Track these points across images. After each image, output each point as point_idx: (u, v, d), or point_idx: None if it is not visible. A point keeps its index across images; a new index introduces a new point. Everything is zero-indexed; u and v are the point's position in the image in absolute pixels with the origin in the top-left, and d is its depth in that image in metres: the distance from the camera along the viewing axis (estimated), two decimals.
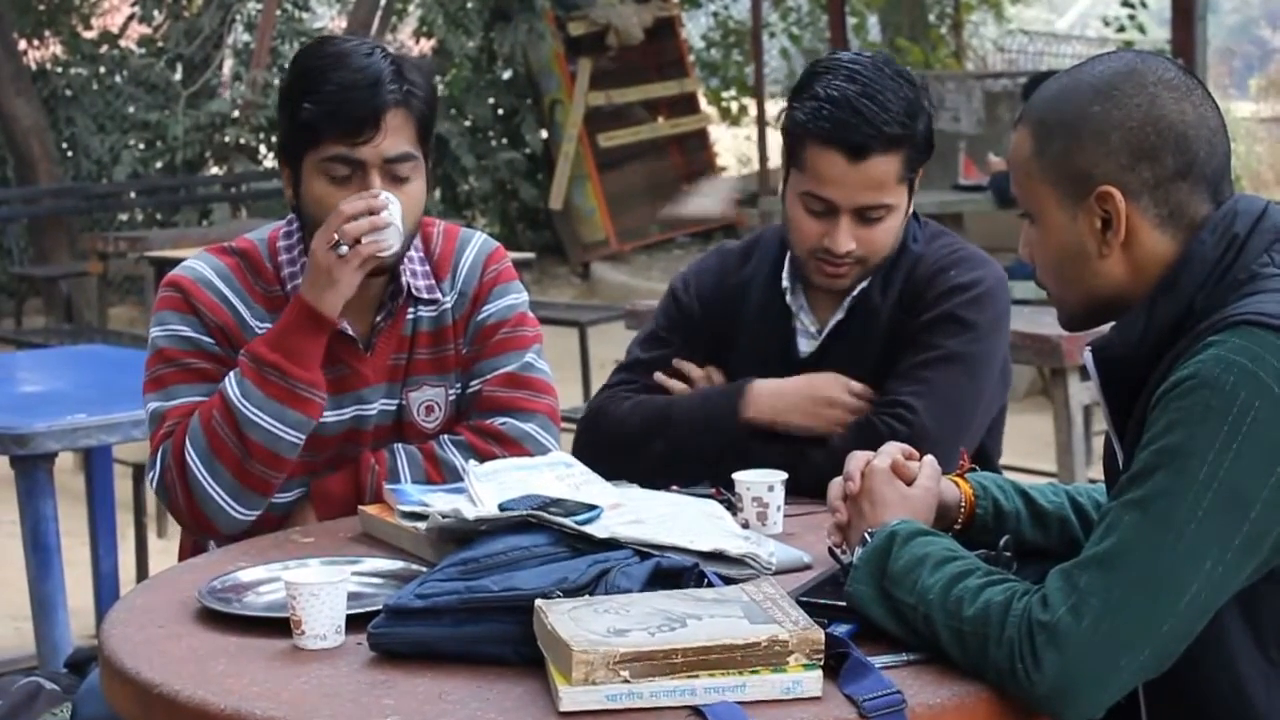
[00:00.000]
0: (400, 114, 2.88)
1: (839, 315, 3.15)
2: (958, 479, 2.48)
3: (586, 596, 2.15)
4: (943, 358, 3.03)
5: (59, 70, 15.19)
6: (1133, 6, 18.95)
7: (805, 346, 3.18)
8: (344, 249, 2.81)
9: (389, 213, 2.83)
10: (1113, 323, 2.26)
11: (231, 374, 2.88)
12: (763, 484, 2.75)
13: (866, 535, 2.26)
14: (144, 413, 2.99)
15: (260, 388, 2.85)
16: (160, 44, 15.66)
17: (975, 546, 2.32)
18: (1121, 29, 19.18)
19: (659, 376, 3.10)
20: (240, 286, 2.98)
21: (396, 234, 2.84)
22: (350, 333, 2.98)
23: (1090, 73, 2.24)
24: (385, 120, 2.86)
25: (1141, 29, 18.95)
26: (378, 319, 3.01)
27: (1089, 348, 2.25)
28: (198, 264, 3.00)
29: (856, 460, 2.43)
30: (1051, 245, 2.25)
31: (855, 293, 3.13)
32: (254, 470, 2.86)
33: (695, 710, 1.94)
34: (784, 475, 2.77)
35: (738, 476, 2.77)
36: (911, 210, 3.16)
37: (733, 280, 3.27)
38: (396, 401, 3.04)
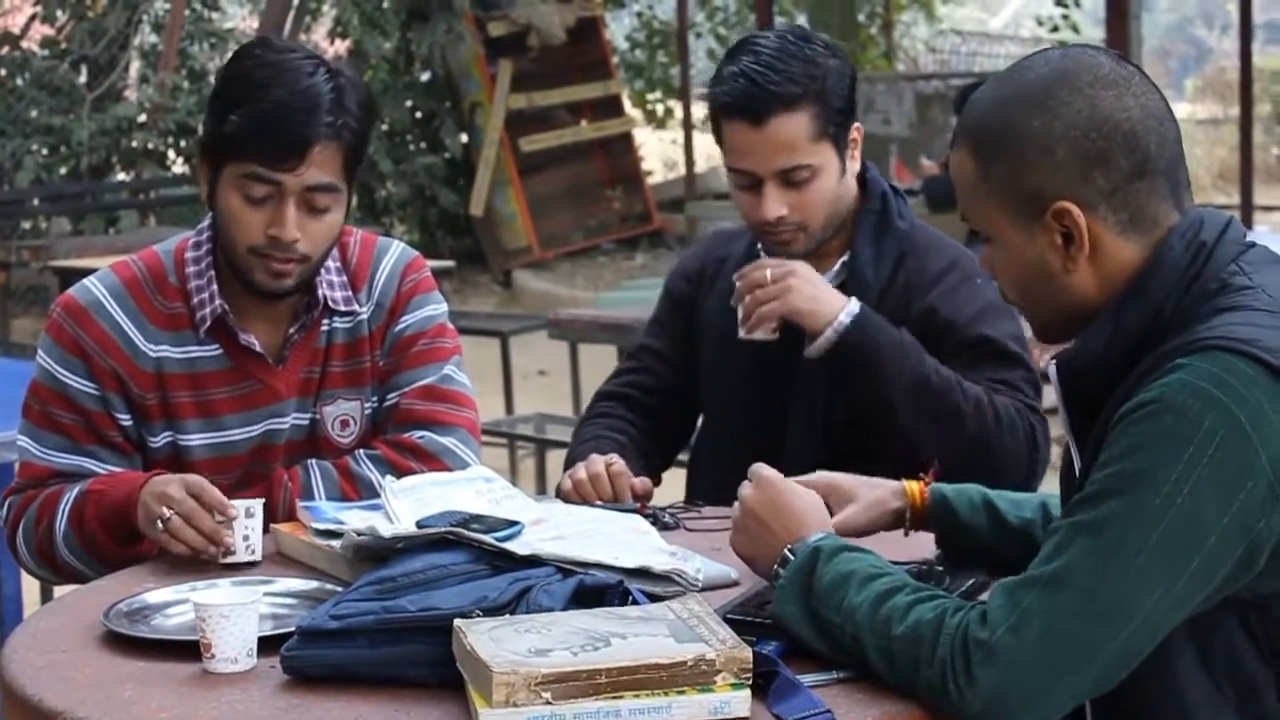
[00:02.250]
0: (330, 146, 2.84)
1: (825, 280, 3.22)
2: (913, 485, 2.50)
3: (507, 616, 2.15)
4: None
5: None
6: (1066, 6, 19.12)
7: None
8: (159, 526, 2.72)
9: (242, 531, 2.70)
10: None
11: (65, 522, 2.89)
12: None
13: (788, 553, 2.25)
14: (18, 430, 3.03)
15: (89, 552, 2.90)
16: (64, 45, 15.55)
17: (952, 556, 2.37)
18: (1055, 29, 19.35)
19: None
20: (135, 306, 2.96)
21: (247, 548, 2.71)
22: (258, 349, 2.97)
23: (1021, 83, 2.19)
24: (312, 152, 2.82)
25: (1075, 28, 19.12)
26: (291, 331, 3.00)
27: (1053, 358, 2.23)
28: (93, 285, 2.99)
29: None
30: (1013, 266, 2.22)
31: (843, 260, 3.24)
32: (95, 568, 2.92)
33: None
34: None
35: None
36: (873, 178, 3.28)
37: (716, 255, 3.44)
38: (309, 416, 3.02)
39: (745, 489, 2.36)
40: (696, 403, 3.44)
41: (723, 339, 3.31)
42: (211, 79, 15.33)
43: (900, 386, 3.04)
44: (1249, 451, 1.99)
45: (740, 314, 3.13)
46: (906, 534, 2.47)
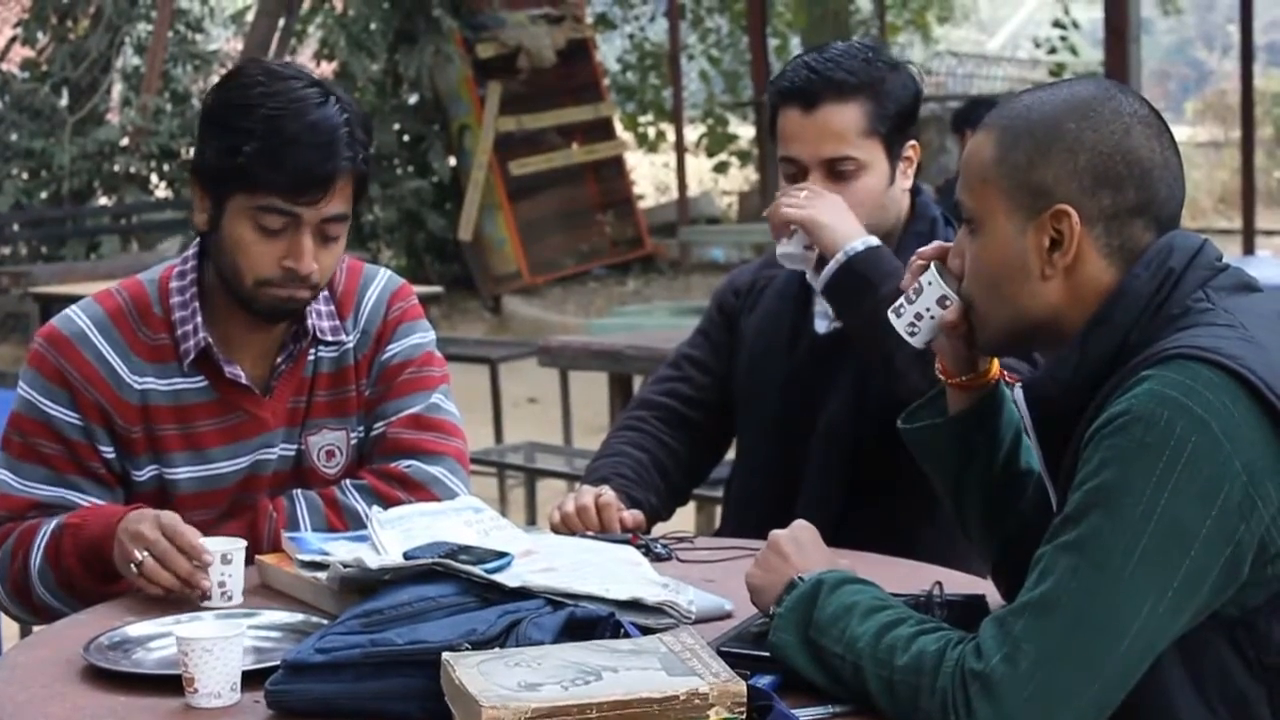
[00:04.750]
0: (348, 178, 2.85)
1: None
2: (999, 366, 2.47)
3: (496, 649, 2.14)
4: None
5: None
6: (1064, 27, 19.18)
7: (824, 327, 3.32)
8: (134, 570, 2.70)
9: (218, 577, 2.67)
10: (1033, 354, 2.28)
11: (41, 557, 2.86)
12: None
13: (798, 579, 2.26)
14: None
15: (66, 589, 2.87)
16: (45, 68, 15.58)
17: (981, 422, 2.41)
18: (1053, 50, 19.41)
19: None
20: (120, 337, 2.95)
21: (223, 595, 2.68)
22: (244, 381, 2.96)
23: (1067, 91, 2.27)
24: (335, 185, 2.83)
25: (1074, 50, 19.20)
26: (278, 361, 2.99)
27: (1020, 385, 2.26)
28: (77, 315, 2.97)
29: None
30: (991, 257, 2.26)
31: None
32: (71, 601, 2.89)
33: None
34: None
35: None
36: (923, 201, 3.32)
37: (766, 273, 3.47)
38: (295, 446, 3.02)
39: (779, 530, 2.40)
40: (732, 417, 3.45)
41: (758, 356, 3.36)
42: (195, 101, 15.35)
43: None
44: (1221, 457, 2.02)
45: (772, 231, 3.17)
46: (965, 381, 2.46)
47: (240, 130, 2.81)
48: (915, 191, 3.33)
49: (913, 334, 2.44)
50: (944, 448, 2.48)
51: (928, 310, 2.41)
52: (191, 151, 14.29)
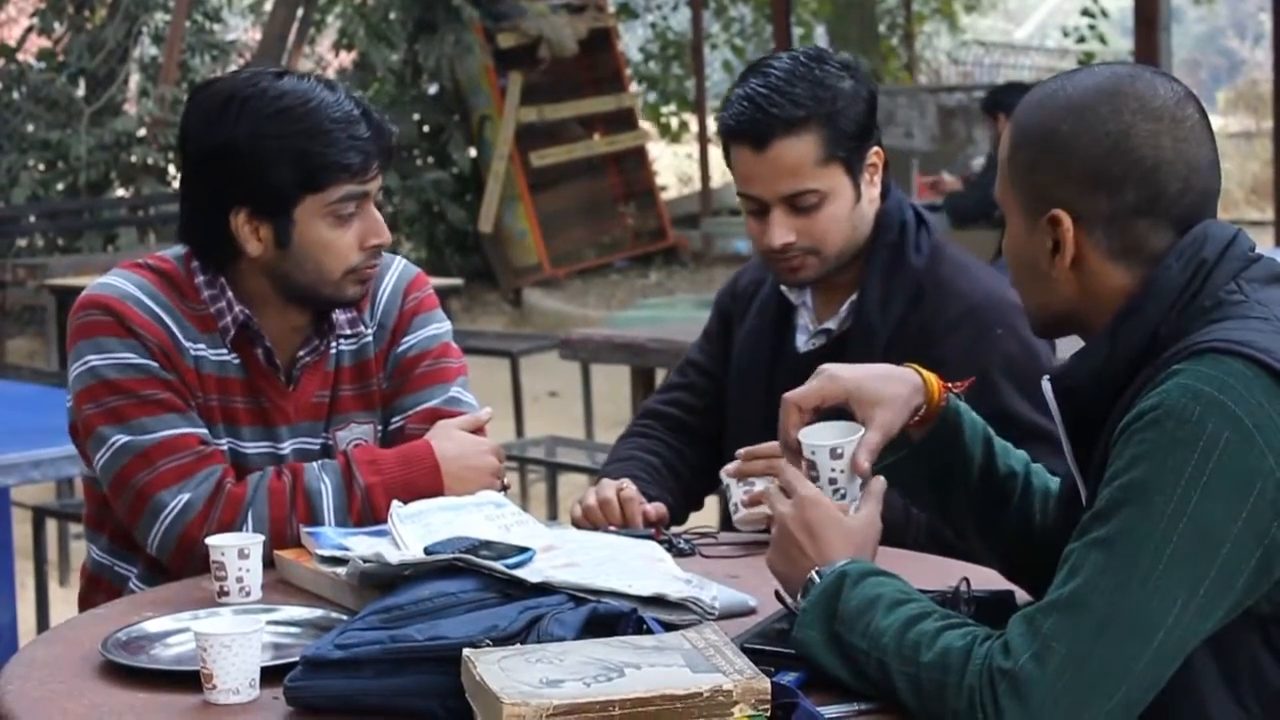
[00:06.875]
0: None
1: (834, 320, 3.25)
2: (938, 384, 2.45)
3: (518, 645, 2.14)
4: None
5: None
6: (1093, 16, 19.13)
7: (804, 344, 3.29)
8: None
9: (235, 572, 2.67)
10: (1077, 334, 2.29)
11: (331, 499, 2.86)
12: (825, 446, 2.40)
13: (815, 575, 2.25)
14: (101, 443, 2.86)
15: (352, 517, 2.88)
16: (61, 58, 15.59)
17: (922, 463, 2.45)
18: (1082, 39, 19.37)
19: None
20: (168, 303, 2.92)
21: (241, 590, 2.68)
22: (277, 361, 2.97)
23: (1074, 84, 2.24)
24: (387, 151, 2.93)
25: (1102, 39, 19.16)
26: (301, 354, 2.99)
27: (1047, 378, 2.26)
28: (119, 282, 2.93)
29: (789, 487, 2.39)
30: (1012, 249, 2.29)
31: (852, 299, 3.22)
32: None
33: None
34: (857, 433, 2.40)
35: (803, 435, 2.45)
36: (891, 207, 3.22)
37: (759, 276, 3.42)
38: (320, 441, 3.01)
39: (784, 506, 2.35)
40: None
41: (741, 375, 3.33)
42: None
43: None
44: (1254, 453, 2.01)
45: (741, 496, 2.94)
46: (916, 420, 2.44)
47: (295, 133, 2.84)
48: (885, 193, 3.24)
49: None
50: (916, 476, 2.50)
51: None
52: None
